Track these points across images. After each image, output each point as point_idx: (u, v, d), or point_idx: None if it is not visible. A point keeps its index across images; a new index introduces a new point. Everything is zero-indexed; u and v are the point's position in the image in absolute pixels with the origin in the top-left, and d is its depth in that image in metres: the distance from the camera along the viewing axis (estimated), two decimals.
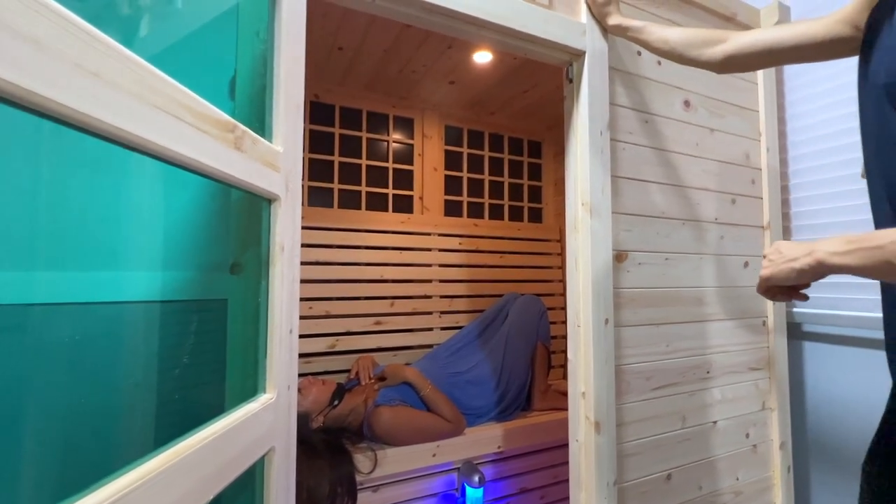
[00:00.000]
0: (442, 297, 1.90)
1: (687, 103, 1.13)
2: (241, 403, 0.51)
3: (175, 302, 0.66)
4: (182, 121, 0.36)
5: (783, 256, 0.63)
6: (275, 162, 0.56)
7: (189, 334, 0.67)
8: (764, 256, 0.67)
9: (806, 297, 0.66)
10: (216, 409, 0.51)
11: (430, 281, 1.89)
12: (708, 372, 1.11)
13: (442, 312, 1.89)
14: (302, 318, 1.65)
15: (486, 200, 2.13)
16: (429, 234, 1.92)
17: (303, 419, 1.30)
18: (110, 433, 0.59)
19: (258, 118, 0.58)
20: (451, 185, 2.06)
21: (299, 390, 1.31)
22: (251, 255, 0.60)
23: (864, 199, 1.13)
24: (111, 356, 0.61)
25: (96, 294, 0.61)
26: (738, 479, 1.13)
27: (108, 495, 0.30)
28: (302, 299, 1.67)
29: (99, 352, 0.60)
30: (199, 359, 0.66)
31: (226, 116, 0.44)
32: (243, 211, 0.61)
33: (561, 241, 2.20)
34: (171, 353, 0.65)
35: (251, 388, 0.57)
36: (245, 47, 0.63)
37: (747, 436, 1.16)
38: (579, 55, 0.97)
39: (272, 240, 0.57)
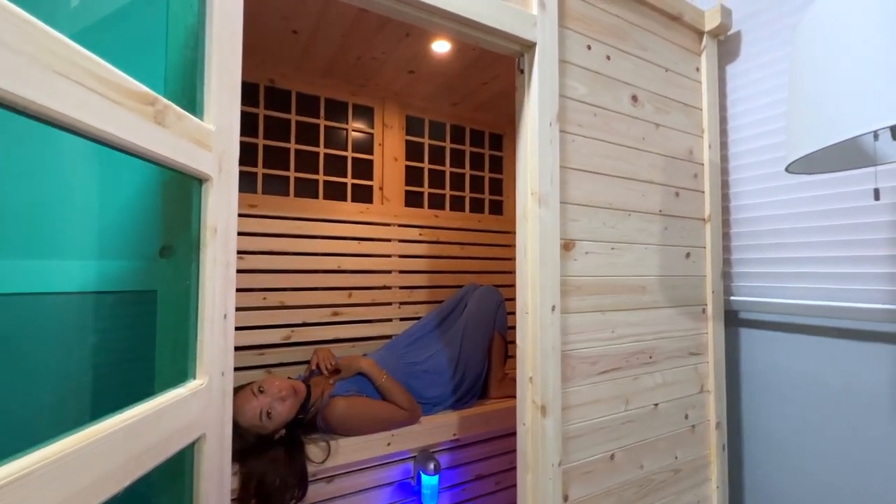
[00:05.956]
0: (401, 287, 1.90)
1: (635, 98, 1.16)
2: (167, 389, 0.50)
3: (101, 293, 0.63)
4: (86, 88, 0.34)
5: None
6: (206, 141, 0.54)
7: (115, 328, 0.64)
8: None
9: None
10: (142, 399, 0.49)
11: (389, 272, 1.88)
12: (651, 357, 1.16)
13: (401, 303, 1.89)
14: (255, 308, 1.61)
15: (448, 192, 2.14)
16: (389, 225, 1.91)
17: (264, 440, 1.21)
18: (19, 430, 0.56)
19: (188, 96, 0.56)
20: (412, 175, 2.05)
21: (268, 414, 1.18)
22: (182, 238, 0.57)
23: (798, 193, 1.20)
24: (31, 349, 0.58)
25: (17, 285, 0.57)
26: (676, 457, 1.19)
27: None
28: (255, 290, 1.62)
29: (18, 344, 0.56)
30: (127, 353, 0.63)
31: (143, 88, 0.42)
32: (174, 193, 0.59)
33: None
34: (96, 346, 0.62)
35: (181, 375, 0.55)
36: (177, 20, 0.60)
37: (686, 417, 1.22)
38: (530, 46, 0.98)
39: (203, 222, 0.55)
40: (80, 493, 0.35)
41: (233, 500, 1.11)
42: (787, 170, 0.81)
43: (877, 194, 0.73)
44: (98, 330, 0.60)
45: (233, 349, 0.61)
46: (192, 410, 0.51)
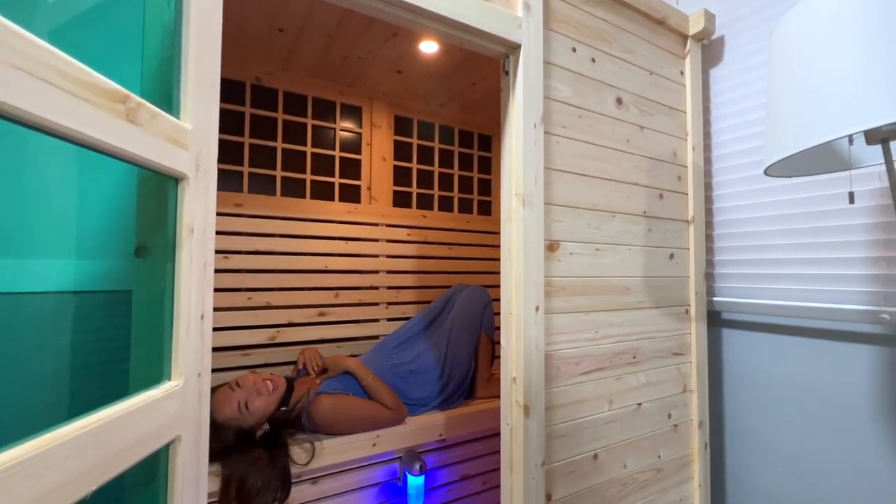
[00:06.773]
0: (389, 288, 1.89)
1: (619, 101, 1.17)
2: (140, 391, 0.49)
3: (75, 293, 0.62)
4: (51, 84, 0.34)
5: None
6: (182, 139, 0.53)
7: (90, 328, 0.63)
8: None
9: None
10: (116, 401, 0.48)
11: (377, 272, 1.87)
12: (634, 357, 1.17)
13: (389, 303, 1.88)
14: (240, 309, 1.59)
15: (436, 192, 2.14)
16: (376, 225, 1.90)
17: (246, 434, 1.22)
18: None
19: (165, 94, 0.55)
20: (400, 175, 2.05)
21: (246, 405, 1.20)
22: (158, 238, 0.57)
23: (779, 196, 1.22)
24: (2, 349, 0.57)
25: None
26: (659, 456, 1.21)
27: None
28: (241, 289, 1.61)
29: None
30: (101, 354, 0.62)
31: (114, 85, 0.41)
32: (150, 191, 0.58)
33: None
34: (70, 346, 0.61)
35: (157, 377, 0.54)
36: (154, 18, 0.59)
37: (669, 416, 1.24)
38: (515, 48, 0.98)
39: (179, 221, 0.54)
40: (47, 496, 0.34)
41: (211, 502, 1.10)
42: (765, 172, 0.82)
43: (851, 198, 0.75)
44: (72, 330, 0.59)
45: (210, 350, 0.60)
46: (167, 412, 0.51)
